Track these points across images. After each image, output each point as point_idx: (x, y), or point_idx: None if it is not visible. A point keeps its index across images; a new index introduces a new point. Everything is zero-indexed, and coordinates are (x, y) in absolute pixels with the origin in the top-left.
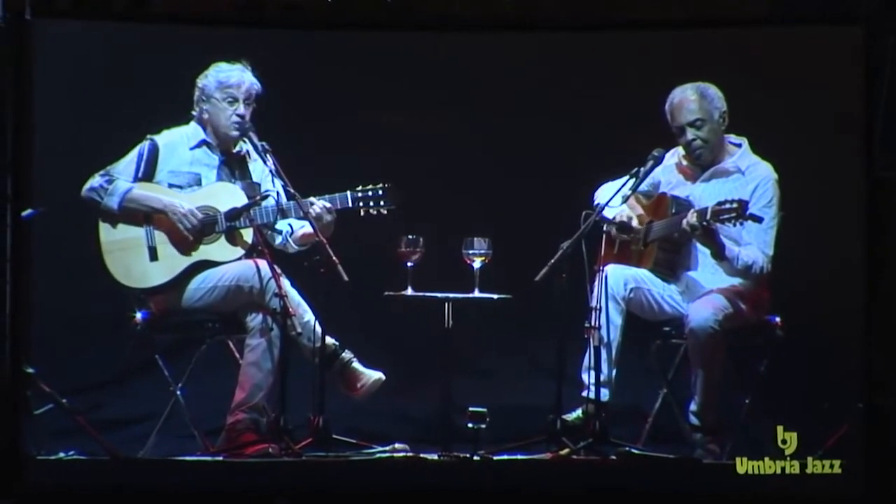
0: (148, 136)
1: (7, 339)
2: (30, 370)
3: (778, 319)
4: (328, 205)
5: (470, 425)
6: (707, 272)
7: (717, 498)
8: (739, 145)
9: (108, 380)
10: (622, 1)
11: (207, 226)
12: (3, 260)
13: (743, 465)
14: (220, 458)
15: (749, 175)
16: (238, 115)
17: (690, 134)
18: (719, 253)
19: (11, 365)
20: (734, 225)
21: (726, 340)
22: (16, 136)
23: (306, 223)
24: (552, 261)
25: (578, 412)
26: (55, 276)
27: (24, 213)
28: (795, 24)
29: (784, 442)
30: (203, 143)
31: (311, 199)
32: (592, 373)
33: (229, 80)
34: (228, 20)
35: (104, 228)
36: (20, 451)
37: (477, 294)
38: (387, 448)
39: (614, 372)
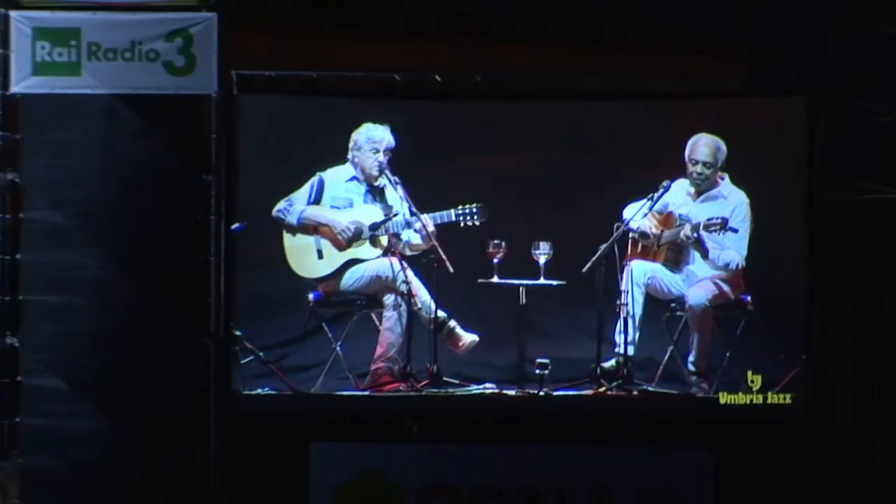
0: (318, 173)
1: (222, 312)
2: (237, 333)
3: (749, 298)
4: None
5: (537, 371)
6: (700, 266)
7: (706, 420)
8: (724, 178)
9: (290, 339)
10: (642, 79)
11: (357, 234)
12: (219, 259)
13: (724, 398)
14: (367, 393)
15: (730, 199)
16: (379, 161)
17: (699, 168)
18: (705, 255)
19: (225, 330)
20: (719, 234)
21: (714, 313)
22: (227, 172)
23: (418, 237)
24: (594, 258)
25: (612, 362)
26: (255, 269)
27: (233, 227)
28: (760, 95)
29: (752, 382)
30: (354, 178)
31: (425, 216)
32: (622, 335)
33: (374, 137)
34: (371, 94)
35: (287, 237)
36: (232, 389)
37: (542, 281)
38: (480, 387)
39: (637, 334)
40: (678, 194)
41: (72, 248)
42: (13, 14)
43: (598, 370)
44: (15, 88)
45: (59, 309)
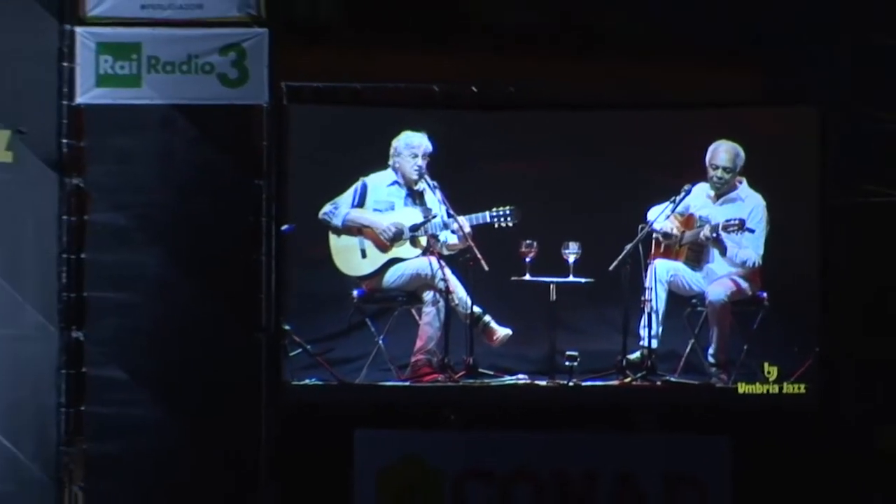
0: (361, 178)
1: (272, 308)
2: (286, 327)
3: (765, 294)
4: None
5: (567, 363)
6: (720, 264)
7: (725, 409)
8: (742, 182)
9: (336, 333)
10: (664, 89)
11: (397, 235)
12: (269, 258)
13: (742, 388)
14: (408, 384)
15: (747, 202)
16: (417, 166)
17: (719, 172)
18: (723, 253)
19: (275, 324)
20: (737, 234)
21: (732, 308)
22: (277, 178)
23: (455, 238)
24: (620, 256)
25: (637, 354)
26: (303, 268)
27: (283, 228)
28: (774, 105)
29: (769, 373)
30: (395, 182)
31: (461, 218)
32: (646, 329)
33: (413, 143)
34: (412, 104)
35: (333, 238)
36: (282, 379)
37: (571, 279)
38: (513, 377)
39: (660, 329)
40: (699, 197)
41: (133, 248)
42: (79, 30)
43: (624, 362)
44: (80, 99)
45: (121, 305)
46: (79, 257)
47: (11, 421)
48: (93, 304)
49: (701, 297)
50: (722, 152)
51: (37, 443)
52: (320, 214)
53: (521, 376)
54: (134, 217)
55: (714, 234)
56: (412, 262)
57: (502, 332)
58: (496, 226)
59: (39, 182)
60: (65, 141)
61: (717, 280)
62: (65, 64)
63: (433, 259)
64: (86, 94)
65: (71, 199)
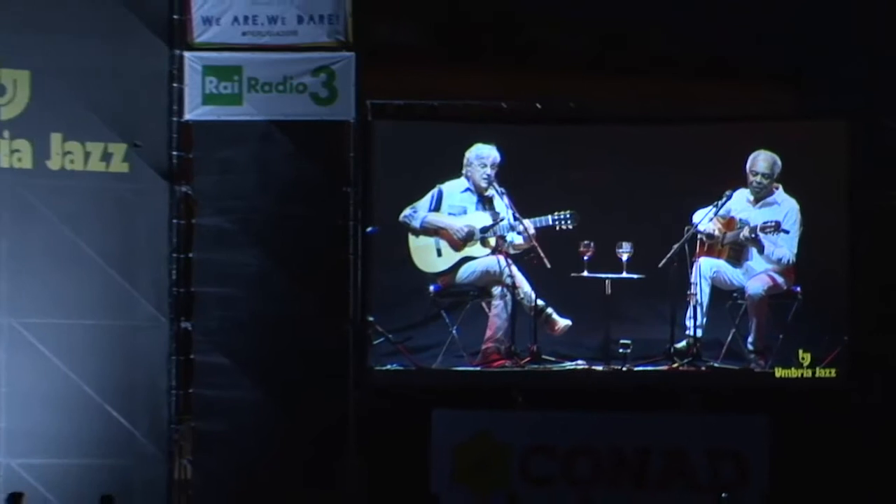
0: (437, 186)
1: (359, 301)
2: (371, 319)
3: (799, 289)
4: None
5: (620, 350)
6: (758, 262)
7: (763, 391)
8: (778, 187)
9: (415, 324)
10: (708, 105)
11: (469, 236)
12: (356, 257)
13: (779, 372)
14: (479, 369)
15: (783, 205)
16: (487, 174)
17: (758, 179)
18: (761, 252)
19: (361, 316)
20: (773, 235)
21: (769, 301)
22: (363, 185)
23: (521, 238)
24: (668, 255)
25: (684, 343)
26: (385, 266)
27: (368, 230)
28: (807, 119)
29: (803, 359)
30: (467, 189)
31: (526, 221)
32: (692, 320)
33: (483, 154)
34: (482, 119)
35: (411, 239)
36: (367, 365)
37: (625, 275)
38: (573, 363)
39: (705, 319)
40: (739, 201)
41: (235, 249)
42: (187, 55)
43: (672, 349)
44: (188, 116)
45: (225, 299)
46: (187, 257)
47: (128, 402)
48: (199, 298)
49: (741, 291)
50: (761, 161)
51: (150, 421)
52: (401, 218)
53: (579, 362)
54: (236, 221)
55: (753, 235)
56: (482, 260)
57: (563, 322)
58: (557, 228)
59: (152, 190)
60: (175, 153)
61: (756, 276)
62: (175, 85)
63: (501, 258)
64: (193, 111)
65: (180, 205)
